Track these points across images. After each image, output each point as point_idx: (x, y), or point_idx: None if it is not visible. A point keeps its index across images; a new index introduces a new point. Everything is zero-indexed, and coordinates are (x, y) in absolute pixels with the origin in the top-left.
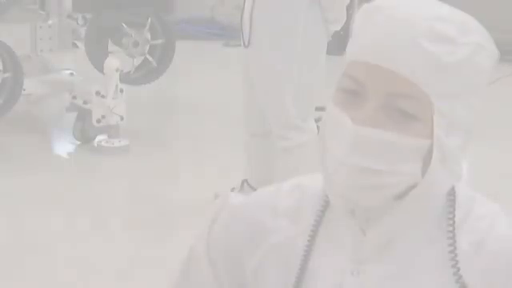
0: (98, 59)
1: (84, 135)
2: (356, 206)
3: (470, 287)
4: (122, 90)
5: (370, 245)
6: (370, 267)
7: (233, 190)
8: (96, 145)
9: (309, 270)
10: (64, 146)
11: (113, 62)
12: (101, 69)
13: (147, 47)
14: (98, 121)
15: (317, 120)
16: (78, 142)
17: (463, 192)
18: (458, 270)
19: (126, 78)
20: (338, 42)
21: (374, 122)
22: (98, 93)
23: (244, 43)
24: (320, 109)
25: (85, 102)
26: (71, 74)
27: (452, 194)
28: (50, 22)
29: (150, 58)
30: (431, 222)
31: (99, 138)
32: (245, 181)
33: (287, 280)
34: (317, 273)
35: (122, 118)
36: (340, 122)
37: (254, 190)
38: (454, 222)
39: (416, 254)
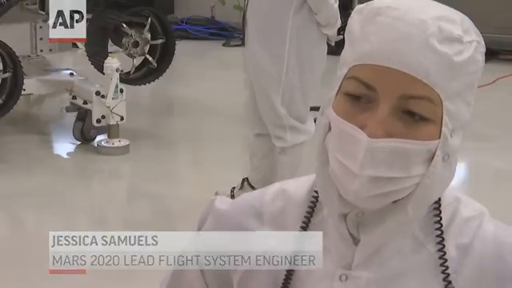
0: (97, 59)
1: (84, 135)
2: (351, 210)
3: None
4: (121, 90)
5: (362, 251)
6: (359, 272)
7: (233, 189)
8: (96, 145)
9: (296, 275)
10: (64, 146)
11: (113, 62)
12: (101, 69)
13: (147, 47)
14: (98, 121)
15: (315, 120)
16: (78, 142)
17: (448, 193)
18: (448, 275)
19: (125, 78)
20: (338, 43)
21: (387, 127)
22: (97, 93)
23: (243, 43)
24: (316, 109)
25: (85, 102)
26: (71, 74)
27: None
28: (49, 21)
29: (150, 58)
30: (417, 225)
31: (99, 138)
32: (245, 179)
33: (276, 285)
34: (304, 278)
35: (122, 118)
36: (352, 136)
37: (254, 188)
38: (442, 225)
39: (403, 258)
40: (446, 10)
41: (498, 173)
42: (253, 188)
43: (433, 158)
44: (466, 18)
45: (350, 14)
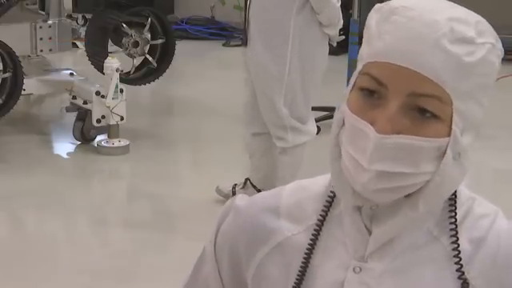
0: (97, 59)
1: (84, 135)
2: (365, 203)
3: (471, 284)
4: (121, 90)
5: (373, 242)
6: (372, 264)
7: (235, 185)
8: (96, 145)
9: (311, 267)
10: (64, 146)
11: (113, 62)
12: (101, 69)
13: (147, 47)
14: (98, 121)
15: (317, 120)
16: (78, 142)
17: (464, 193)
18: (461, 266)
19: (125, 78)
20: (339, 43)
21: (395, 124)
22: (97, 93)
23: (243, 43)
24: (317, 109)
25: (85, 102)
26: (71, 74)
27: (453, 193)
28: (49, 22)
29: (150, 58)
30: (432, 221)
31: (99, 138)
32: (247, 179)
33: (289, 277)
34: (319, 270)
35: (122, 118)
36: (362, 131)
37: (256, 188)
38: (456, 219)
39: (416, 251)
40: (461, 12)
41: (497, 173)
42: (255, 188)
43: (443, 156)
44: (484, 20)
45: (350, 14)
